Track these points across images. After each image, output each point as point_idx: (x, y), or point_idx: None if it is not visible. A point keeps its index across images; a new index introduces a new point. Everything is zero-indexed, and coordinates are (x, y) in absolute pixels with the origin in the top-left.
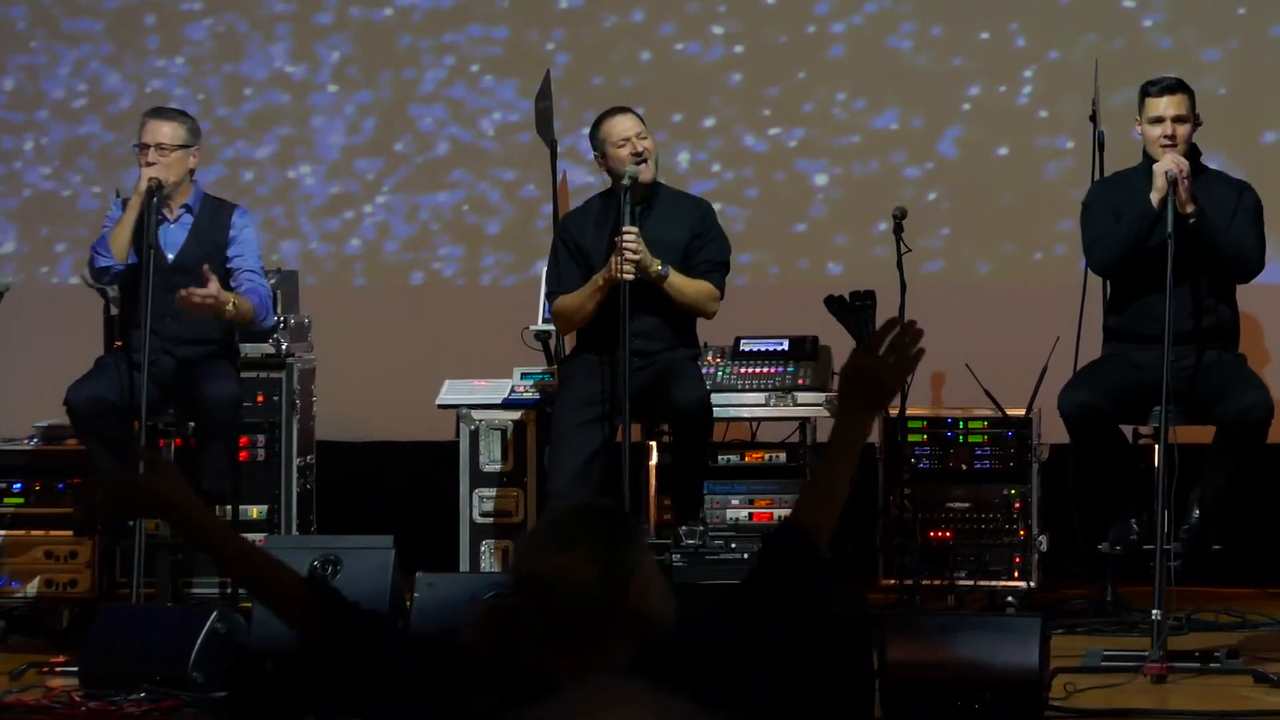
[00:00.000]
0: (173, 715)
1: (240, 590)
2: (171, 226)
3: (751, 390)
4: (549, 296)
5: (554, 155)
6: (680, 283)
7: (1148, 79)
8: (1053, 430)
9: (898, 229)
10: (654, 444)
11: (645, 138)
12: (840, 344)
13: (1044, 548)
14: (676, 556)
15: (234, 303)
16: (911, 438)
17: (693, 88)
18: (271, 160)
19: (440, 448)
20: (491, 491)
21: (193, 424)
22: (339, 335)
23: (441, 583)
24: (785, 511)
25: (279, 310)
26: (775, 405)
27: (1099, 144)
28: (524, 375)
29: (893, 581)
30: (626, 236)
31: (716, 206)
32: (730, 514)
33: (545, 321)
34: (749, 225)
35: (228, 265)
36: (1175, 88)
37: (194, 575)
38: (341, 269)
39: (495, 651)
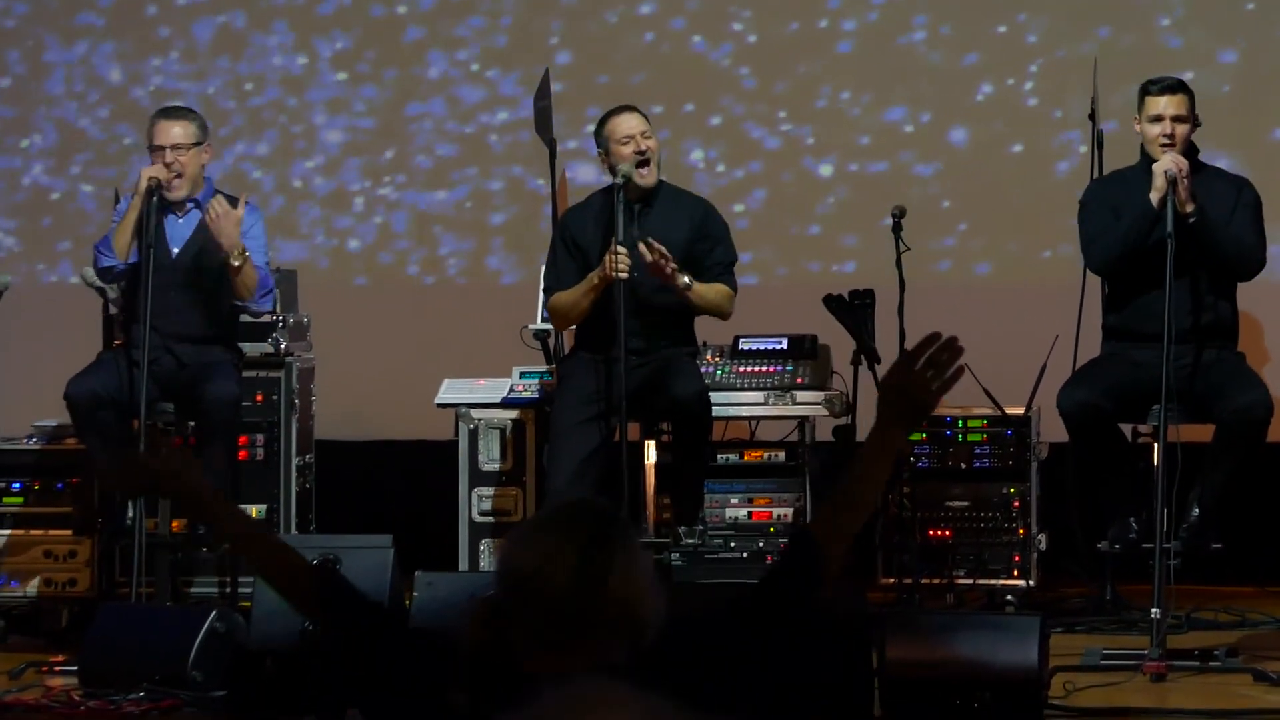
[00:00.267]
0: (172, 714)
1: (241, 586)
2: (179, 221)
3: (750, 389)
4: (546, 291)
5: (553, 154)
6: (702, 290)
7: (1149, 78)
8: (1052, 429)
9: (896, 228)
10: (652, 443)
11: (650, 137)
12: (840, 343)
13: (1043, 546)
14: (675, 555)
15: (245, 253)
16: (911, 436)
17: (694, 84)
18: (270, 158)
19: (439, 447)
20: (490, 490)
21: (193, 423)
22: (338, 334)
23: (440, 582)
24: (784, 510)
25: (278, 309)
26: (774, 404)
27: (1098, 142)
28: (523, 374)
29: (892, 580)
30: (618, 255)
31: (718, 204)
32: (729, 513)
33: (544, 321)
34: (750, 223)
35: None
36: (1176, 87)
37: (193, 574)
38: (341, 268)
39: (486, 647)
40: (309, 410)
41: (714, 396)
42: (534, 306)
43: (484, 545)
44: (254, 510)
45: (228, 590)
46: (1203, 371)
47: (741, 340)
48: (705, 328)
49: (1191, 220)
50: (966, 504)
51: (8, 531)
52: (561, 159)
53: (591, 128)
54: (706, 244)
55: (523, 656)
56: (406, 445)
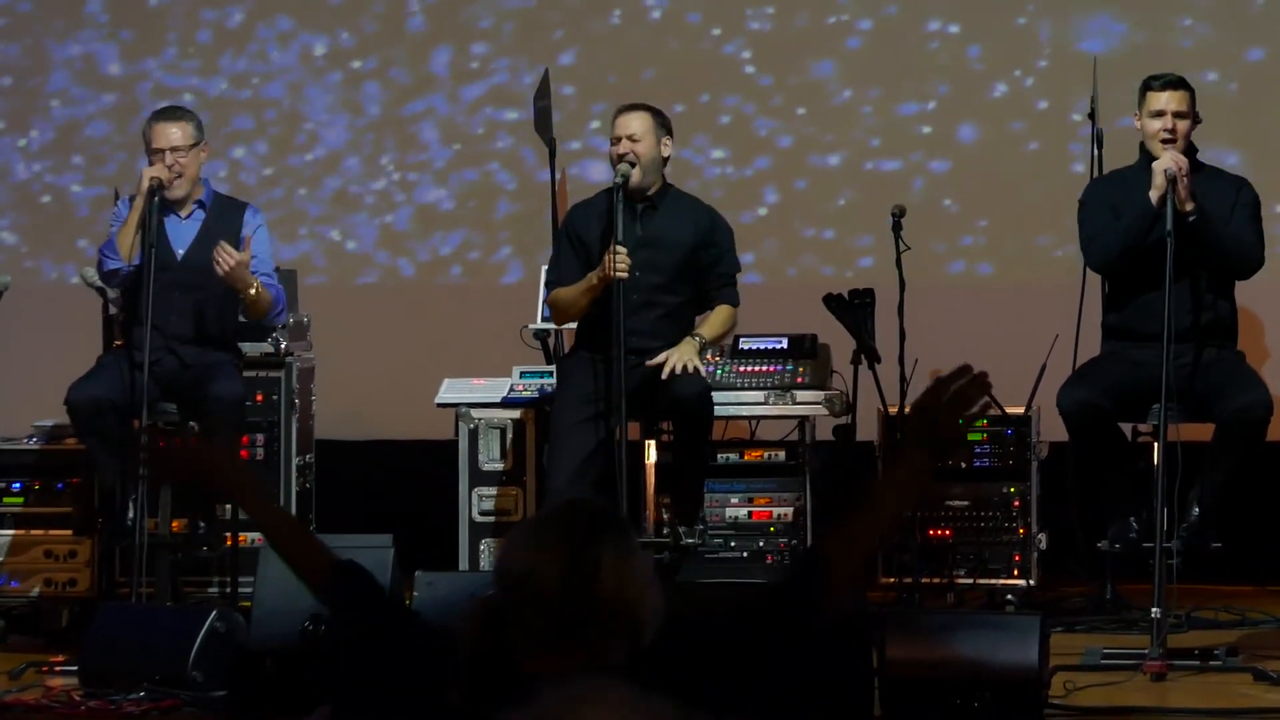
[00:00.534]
0: (172, 714)
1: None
2: (183, 223)
3: (750, 388)
4: (548, 286)
5: (553, 154)
6: (714, 333)
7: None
8: (1052, 428)
9: (896, 227)
10: (652, 442)
11: (638, 140)
12: (840, 343)
13: (1043, 545)
14: (676, 555)
15: (257, 287)
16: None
17: (697, 81)
18: (270, 156)
19: (439, 446)
20: (490, 490)
21: (194, 424)
22: (338, 334)
23: (441, 581)
24: (785, 510)
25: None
26: (774, 404)
27: (1097, 141)
28: (523, 374)
29: (892, 580)
30: (616, 256)
31: (719, 202)
32: (730, 512)
33: (544, 320)
34: (751, 222)
35: None
36: (1177, 83)
37: (193, 575)
38: (341, 267)
39: (484, 647)
40: (309, 410)
41: (714, 396)
42: (534, 306)
43: (484, 545)
44: None
45: (228, 591)
46: (1202, 371)
47: (742, 340)
48: None
49: (1191, 219)
50: (967, 503)
51: (8, 532)
52: (564, 159)
53: (595, 125)
54: (711, 253)
55: (521, 656)
56: (407, 445)
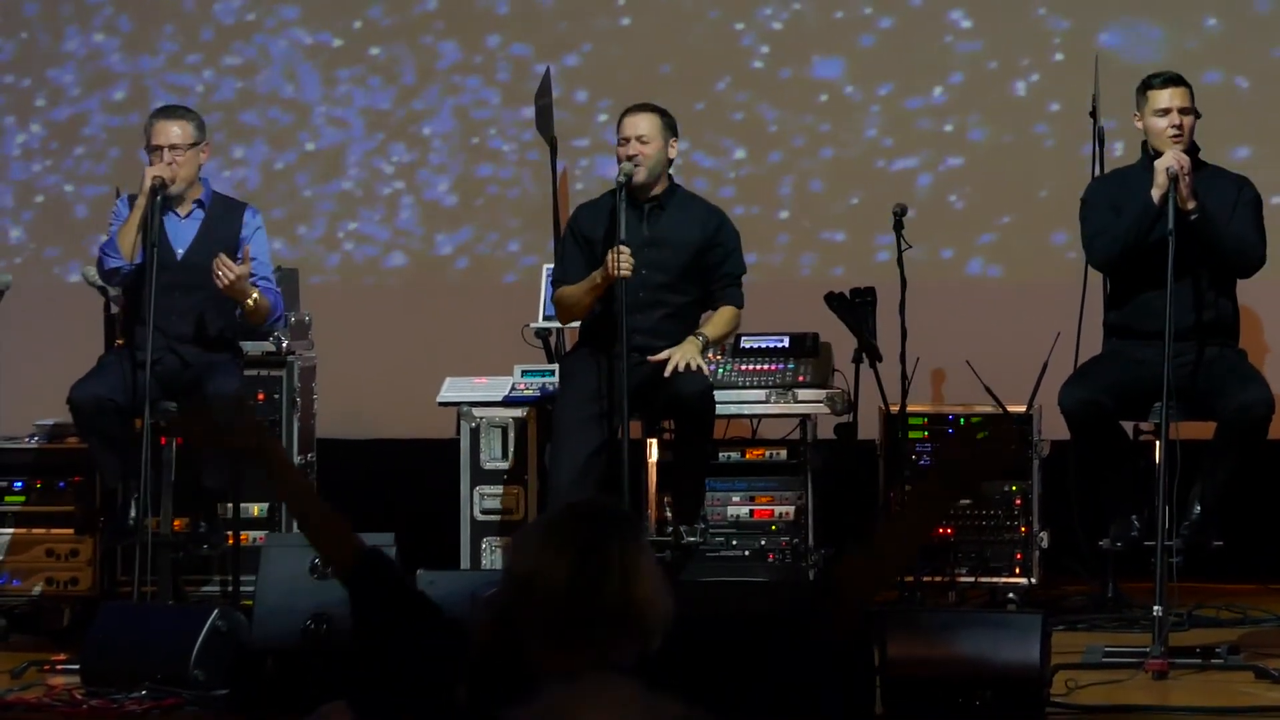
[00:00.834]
0: (174, 713)
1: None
2: (182, 222)
3: (752, 387)
4: (553, 285)
5: (554, 152)
6: (717, 333)
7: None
8: (1053, 426)
9: (898, 225)
10: (654, 441)
11: (647, 141)
12: (841, 341)
13: (1045, 544)
14: (677, 553)
15: (255, 297)
16: (912, 434)
17: (699, 79)
18: (271, 155)
19: (441, 445)
20: (492, 489)
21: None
22: (340, 332)
23: (443, 580)
24: (786, 509)
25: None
26: (776, 402)
27: (1099, 139)
28: (525, 373)
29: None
30: (620, 254)
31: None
32: (731, 511)
33: (546, 319)
34: (752, 220)
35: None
36: (1177, 80)
37: (195, 573)
38: (342, 266)
39: (493, 644)
40: (310, 409)
41: (716, 395)
42: (536, 305)
43: (486, 544)
44: (255, 509)
45: (229, 589)
46: (1204, 369)
47: (743, 338)
48: None
49: (1193, 217)
50: (968, 502)
51: (9, 530)
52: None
53: (604, 118)
54: (717, 254)
55: (529, 655)
56: (408, 444)
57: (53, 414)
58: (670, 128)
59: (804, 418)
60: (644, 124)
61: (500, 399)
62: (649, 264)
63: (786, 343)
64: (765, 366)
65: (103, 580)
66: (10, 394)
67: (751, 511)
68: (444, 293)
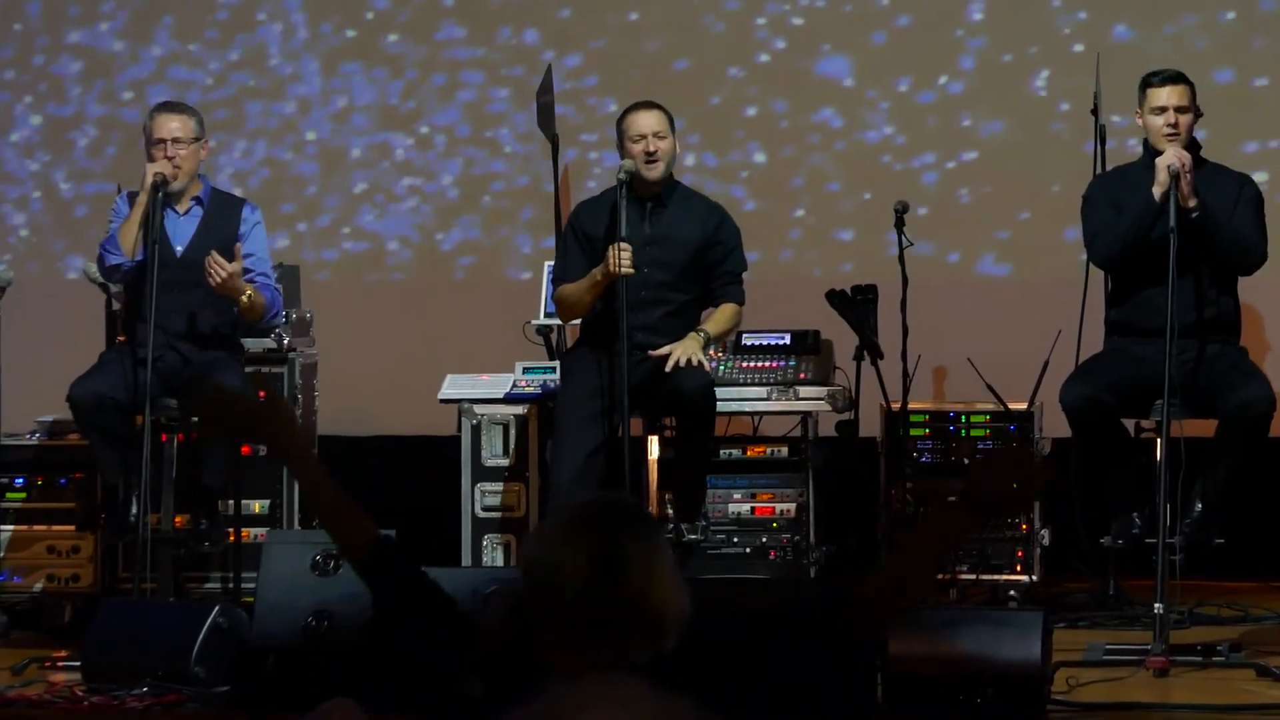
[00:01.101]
0: (175, 710)
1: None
2: (181, 219)
3: (753, 384)
4: (554, 282)
5: (555, 150)
6: (719, 330)
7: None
8: (1055, 424)
9: (899, 223)
10: (655, 438)
11: (664, 137)
12: (842, 338)
13: (1046, 541)
14: (678, 551)
15: (250, 294)
16: (914, 431)
17: (701, 78)
18: (272, 152)
19: (442, 442)
20: (493, 486)
21: (196, 419)
22: (341, 330)
23: (444, 578)
24: (787, 506)
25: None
26: (777, 399)
27: (1100, 137)
28: (526, 370)
29: None
30: (621, 251)
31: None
32: (732, 508)
33: (547, 316)
34: (753, 218)
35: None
36: (1177, 78)
37: (196, 570)
38: (343, 263)
39: (506, 639)
40: (311, 406)
41: (717, 392)
42: (537, 302)
43: (486, 541)
44: (256, 506)
45: (230, 586)
46: (1205, 366)
47: (744, 335)
48: None
49: (1194, 215)
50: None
51: (11, 527)
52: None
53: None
54: (718, 251)
55: (542, 651)
56: (409, 441)
57: (54, 411)
58: (672, 124)
59: (805, 415)
60: (658, 121)
61: (501, 396)
62: (650, 261)
63: (788, 340)
64: (766, 363)
65: (104, 577)
66: (11, 390)
67: (752, 509)
68: (445, 289)
